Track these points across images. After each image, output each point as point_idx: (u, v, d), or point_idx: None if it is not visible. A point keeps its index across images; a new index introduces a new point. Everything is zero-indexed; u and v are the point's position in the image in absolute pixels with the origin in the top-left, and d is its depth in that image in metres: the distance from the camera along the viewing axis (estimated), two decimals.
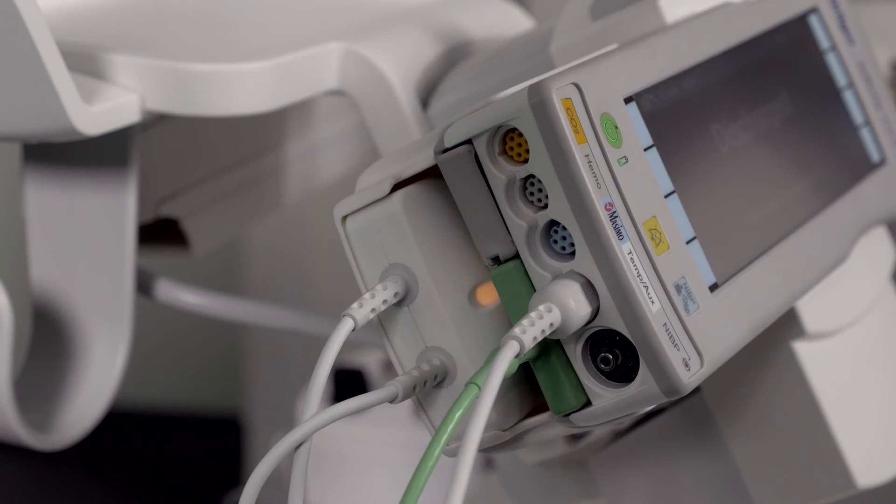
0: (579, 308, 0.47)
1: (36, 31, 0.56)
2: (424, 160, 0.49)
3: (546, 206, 0.47)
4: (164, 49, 0.64)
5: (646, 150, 0.50)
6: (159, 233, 0.75)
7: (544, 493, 0.69)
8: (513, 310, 0.48)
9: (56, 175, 0.68)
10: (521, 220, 0.48)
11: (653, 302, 0.47)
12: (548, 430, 0.50)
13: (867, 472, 0.60)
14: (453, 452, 0.47)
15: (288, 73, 0.62)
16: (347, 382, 1.07)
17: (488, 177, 0.48)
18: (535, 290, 0.48)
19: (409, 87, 0.63)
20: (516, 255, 0.48)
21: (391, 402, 0.49)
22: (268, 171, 0.81)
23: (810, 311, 0.59)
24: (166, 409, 1.70)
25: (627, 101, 0.50)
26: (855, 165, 0.61)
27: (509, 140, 0.48)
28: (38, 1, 0.56)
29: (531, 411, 0.51)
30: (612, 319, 0.47)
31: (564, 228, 0.47)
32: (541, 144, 0.47)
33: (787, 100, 0.59)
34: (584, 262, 0.47)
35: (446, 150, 0.48)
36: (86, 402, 0.68)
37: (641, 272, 0.47)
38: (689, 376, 0.47)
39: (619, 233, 0.47)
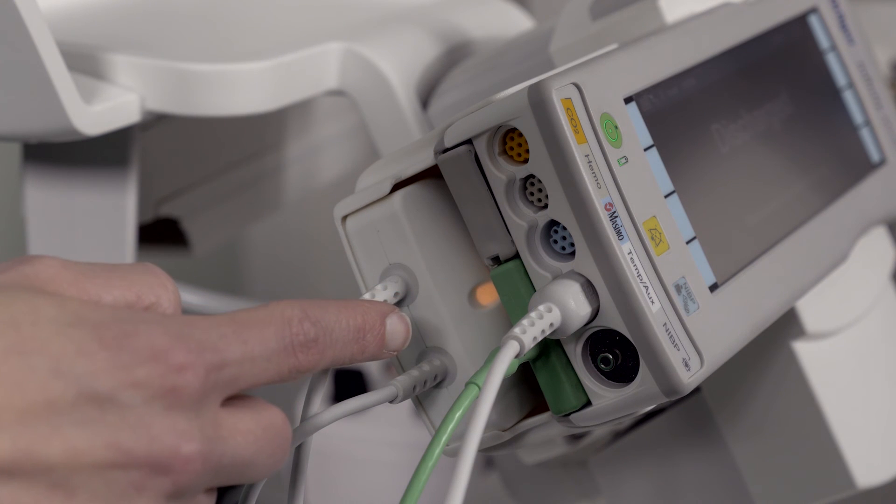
0: (579, 308, 0.47)
1: (36, 32, 0.56)
2: (424, 160, 0.49)
3: (546, 206, 0.47)
4: (165, 49, 0.64)
5: (646, 150, 0.50)
6: (159, 233, 0.75)
7: (544, 493, 0.69)
8: (513, 310, 0.48)
9: (56, 175, 0.68)
10: (521, 220, 0.48)
11: (653, 302, 0.47)
12: (548, 430, 0.50)
13: (867, 472, 0.60)
14: (453, 452, 0.47)
15: (288, 73, 0.62)
16: (347, 382, 1.07)
17: (488, 177, 0.48)
18: (535, 290, 0.48)
19: (409, 87, 0.63)
20: (516, 255, 0.48)
21: (391, 402, 0.49)
22: (268, 171, 0.81)
23: (810, 311, 0.59)
24: None
25: (627, 101, 0.50)
26: (855, 165, 0.61)
27: (509, 140, 0.48)
28: (38, 1, 0.56)
29: (531, 411, 0.51)
30: (612, 319, 0.47)
31: (564, 228, 0.47)
32: (541, 144, 0.47)
33: (787, 100, 0.59)
34: (584, 262, 0.47)
35: (446, 150, 0.48)
36: None
37: (641, 272, 0.47)
38: (689, 376, 0.47)
39: (619, 233, 0.47)
